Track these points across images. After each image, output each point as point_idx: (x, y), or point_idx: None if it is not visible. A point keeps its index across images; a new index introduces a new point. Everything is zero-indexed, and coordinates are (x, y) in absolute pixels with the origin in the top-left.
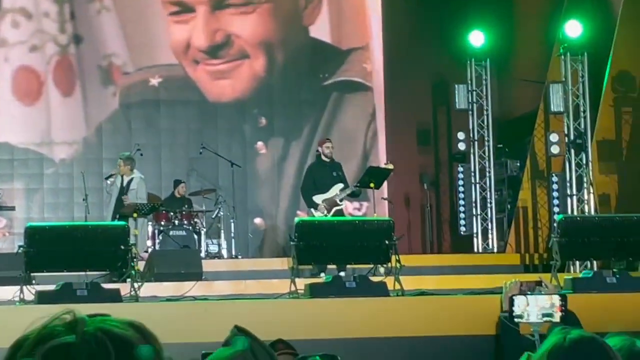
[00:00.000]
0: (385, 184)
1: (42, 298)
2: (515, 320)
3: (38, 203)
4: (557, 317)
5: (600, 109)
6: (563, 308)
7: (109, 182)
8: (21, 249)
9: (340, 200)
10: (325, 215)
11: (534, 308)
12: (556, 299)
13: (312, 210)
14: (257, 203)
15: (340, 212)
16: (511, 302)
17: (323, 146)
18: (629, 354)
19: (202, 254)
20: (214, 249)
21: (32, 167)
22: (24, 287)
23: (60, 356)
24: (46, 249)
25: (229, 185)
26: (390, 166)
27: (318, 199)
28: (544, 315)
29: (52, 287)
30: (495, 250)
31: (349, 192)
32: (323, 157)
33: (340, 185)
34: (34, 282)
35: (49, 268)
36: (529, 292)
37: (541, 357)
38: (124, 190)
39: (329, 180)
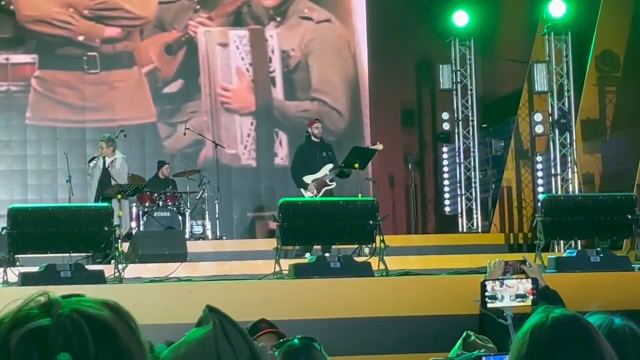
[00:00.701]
0: (369, 164)
1: (26, 280)
2: (488, 304)
3: (21, 184)
4: (529, 300)
5: (584, 88)
6: (535, 291)
7: (91, 164)
8: (4, 230)
9: (330, 181)
10: (315, 196)
11: (507, 291)
12: (527, 283)
13: (302, 190)
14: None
15: (330, 193)
16: (483, 287)
17: (312, 126)
18: (608, 331)
19: (187, 235)
20: (198, 230)
21: (15, 149)
22: (8, 269)
23: (36, 340)
24: (29, 230)
25: (213, 166)
26: (380, 146)
27: (308, 179)
28: (517, 296)
29: (35, 269)
30: (479, 230)
31: (338, 172)
32: (313, 138)
33: (330, 166)
34: (17, 263)
35: (33, 250)
36: (501, 278)
37: (523, 335)
38: (106, 171)
39: (319, 160)
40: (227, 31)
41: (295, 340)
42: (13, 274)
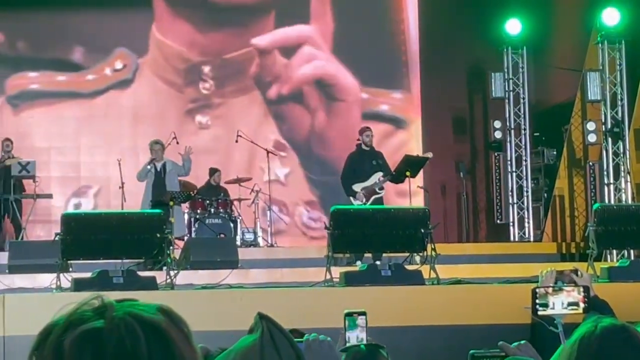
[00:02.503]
0: (421, 172)
1: (79, 285)
2: (539, 311)
3: (74, 191)
4: (580, 308)
5: (637, 97)
6: (586, 299)
7: (149, 167)
8: (58, 236)
9: (380, 189)
10: (364, 204)
11: (558, 299)
12: (579, 290)
13: (351, 198)
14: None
15: (379, 201)
16: (534, 294)
17: (363, 134)
18: None
19: (238, 242)
20: (249, 237)
21: (68, 155)
22: (61, 275)
23: (90, 341)
24: (82, 236)
25: (266, 173)
26: (430, 155)
27: (357, 187)
28: (569, 304)
29: (88, 275)
30: (531, 239)
31: (389, 179)
32: (363, 146)
33: (379, 174)
34: (70, 269)
35: (85, 256)
36: (554, 285)
37: (572, 344)
38: (160, 175)
39: (369, 168)
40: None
41: (362, 346)
42: (66, 279)
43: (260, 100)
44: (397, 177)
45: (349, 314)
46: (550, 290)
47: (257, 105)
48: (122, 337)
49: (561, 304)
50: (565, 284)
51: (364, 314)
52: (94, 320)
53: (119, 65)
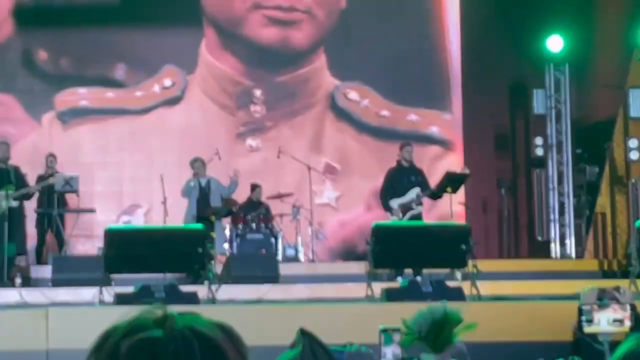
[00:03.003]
0: (462, 189)
1: (121, 300)
2: (585, 328)
3: (117, 206)
4: (626, 326)
5: None
6: (632, 317)
7: (192, 183)
8: (101, 251)
9: (417, 205)
10: (400, 219)
11: (604, 316)
12: (625, 308)
13: (388, 214)
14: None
15: (417, 217)
16: (580, 311)
17: (403, 150)
18: None
19: (279, 258)
20: (290, 252)
21: (111, 169)
22: (103, 289)
23: (146, 349)
24: (125, 251)
25: (307, 189)
26: (467, 171)
27: (394, 203)
28: (614, 321)
29: (130, 289)
30: (573, 256)
31: (427, 195)
32: (403, 162)
33: (417, 190)
34: (112, 283)
35: (128, 270)
36: (598, 301)
37: None
38: (205, 191)
39: (407, 184)
40: None
41: None
42: (108, 294)
43: (311, 122)
44: (437, 193)
45: (384, 330)
46: (596, 307)
47: (308, 128)
48: (178, 348)
49: (607, 321)
50: (611, 301)
51: (399, 330)
52: (153, 329)
53: (167, 82)
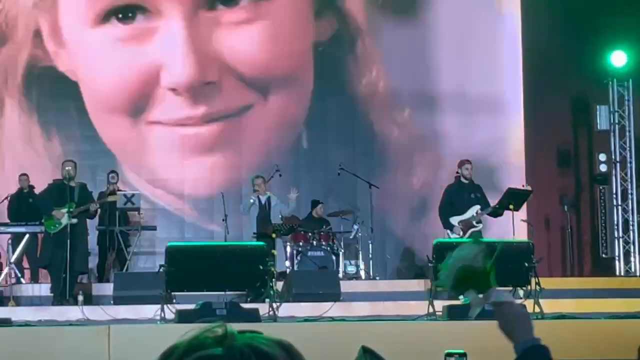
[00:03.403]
0: (524, 206)
1: (182, 317)
2: None
3: (179, 223)
4: None
5: None
6: None
7: (252, 200)
8: (162, 268)
9: (477, 222)
10: (461, 237)
11: None
12: None
13: (448, 231)
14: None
15: (480, 234)
16: None
17: (462, 167)
18: None
19: (340, 275)
20: (351, 270)
21: (172, 187)
22: (165, 306)
23: None
24: (186, 268)
25: (367, 206)
26: (529, 188)
27: (454, 220)
28: None
29: (191, 306)
30: (637, 273)
31: (488, 212)
32: (462, 179)
33: (477, 207)
34: (174, 301)
35: (189, 287)
36: None
37: None
38: (265, 208)
39: (467, 201)
40: None
41: None
42: (170, 311)
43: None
44: (498, 210)
45: (449, 355)
46: None
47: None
48: None
49: None
50: None
51: (464, 355)
52: (213, 347)
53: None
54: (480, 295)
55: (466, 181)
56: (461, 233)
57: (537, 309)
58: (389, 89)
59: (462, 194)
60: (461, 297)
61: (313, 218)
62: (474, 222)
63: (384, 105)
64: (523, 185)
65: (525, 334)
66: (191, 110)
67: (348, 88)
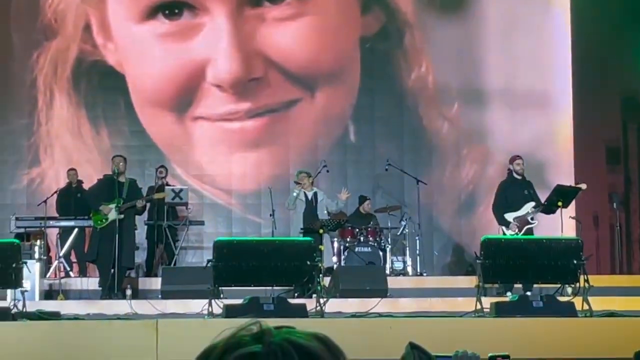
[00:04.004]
0: (573, 203)
1: (230, 312)
2: None
3: (226, 218)
4: None
5: None
6: None
7: (294, 194)
8: (210, 263)
9: (532, 219)
10: (517, 234)
11: None
12: None
13: (503, 228)
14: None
15: (530, 231)
16: None
17: (514, 163)
18: None
19: (387, 271)
20: (399, 266)
21: (220, 182)
22: (212, 301)
23: None
24: (234, 263)
25: (415, 202)
26: (584, 186)
27: (509, 216)
28: None
29: (239, 301)
30: None
31: (540, 210)
32: (515, 175)
33: (532, 204)
34: (221, 295)
35: (237, 282)
36: None
37: None
38: (311, 204)
39: (521, 198)
40: None
41: None
42: (217, 306)
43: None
44: (549, 207)
45: (492, 358)
46: None
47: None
48: None
49: None
50: None
51: (507, 357)
52: (252, 344)
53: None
54: None
55: (519, 177)
56: (516, 230)
57: (585, 307)
58: (438, 84)
59: (515, 190)
60: (508, 293)
61: (360, 214)
62: (529, 219)
63: (433, 100)
64: (578, 184)
65: None
66: (236, 105)
67: (396, 83)
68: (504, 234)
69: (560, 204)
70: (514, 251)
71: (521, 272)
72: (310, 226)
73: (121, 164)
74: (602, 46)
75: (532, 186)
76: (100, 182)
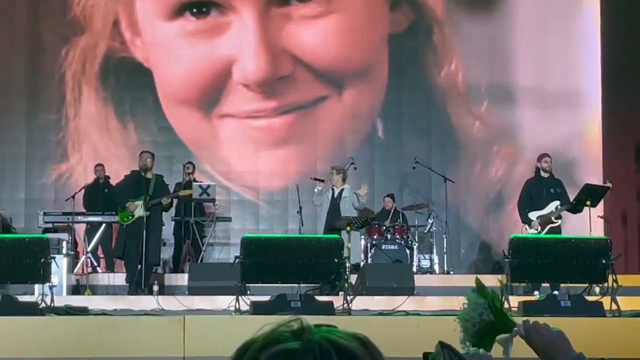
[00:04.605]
0: (601, 202)
1: (257, 308)
2: None
3: (253, 214)
4: None
5: None
6: None
7: (316, 189)
8: (237, 259)
9: (556, 218)
10: (539, 232)
11: None
12: None
13: (526, 226)
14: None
15: (555, 230)
16: None
17: (542, 161)
18: None
19: (414, 269)
20: (426, 263)
21: (247, 179)
22: (239, 297)
23: None
24: (261, 260)
25: (442, 200)
26: (609, 184)
27: (533, 215)
28: None
29: (266, 298)
30: None
31: (567, 209)
32: (542, 172)
33: (557, 202)
34: (248, 292)
35: (264, 279)
36: None
37: None
38: (336, 201)
39: (546, 196)
40: None
41: None
42: (244, 302)
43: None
44: (576, 206)
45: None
46: None
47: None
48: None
49: None
50: None
51: None
52: (291, 341)
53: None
54: (507, 335)
55: (546, 175)
56: (539, 228)
57: (614, 307)
58: (467, 82)
59: (541, 189)
60: (536, 292)
61: (387, 212)
62: (553, 218)
63: (462, 97)
64: (605, 183)
65: (570, 352)
66: (263, 103)
67: (425, 80)
68: (527, 232)
69: (588, 203)
70: (543, 250)
71: (549, 272)
72: (334, 223)
73: (148, 160)
74: (631, 45)
75: (561, 185)
76: (127, 178)
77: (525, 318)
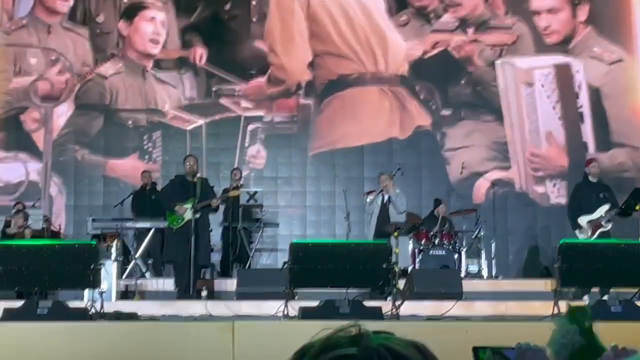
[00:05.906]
0: None
1: (305, 314)
2: None
3: (300, 220)
4: None
5: None
6: None
7: (368, 200)
8: (285, 265)
9: (606, 222)
10: (589, 237)
11: None
12: None
13: (577, 231)
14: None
15: (605, 234)
16: None
17: (590, 166)
18: None
19: (462, 274)
20: (473, 269)
21: (295, 185)
22: (287, 303)
23: None
24: (309, 265)
25: (490, 205)
26: None
27: (582, 220)
28: None
29: (314, 304)
30: None
31: (616, 213)
32: (590, 178)
33: (606, 207)
34: (296, 297)
35: (312, 284)
36: None
37: None
38: (385, 206)
39: (595, 201)
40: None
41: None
42: (292, 308)
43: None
44: (625, 211)
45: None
46: None
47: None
48: None
49: None
50: None
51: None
52: (348, 347)
53: None
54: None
55: (594, 180)
56: (589, 233)
57: None
58: None
59: (590, 193)
60: (585, 297)
61: (435, 217)
62: (603, 222)
63: None
64: None
65: None
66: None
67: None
68: (577, 237)
69: (638, 207)
70: (592, 255)
71: (599, 277)
72: (385, 229)
73: (193, 164)
74: None
75: (609, 190)
76: (172, 182)
77: (613, 343)
